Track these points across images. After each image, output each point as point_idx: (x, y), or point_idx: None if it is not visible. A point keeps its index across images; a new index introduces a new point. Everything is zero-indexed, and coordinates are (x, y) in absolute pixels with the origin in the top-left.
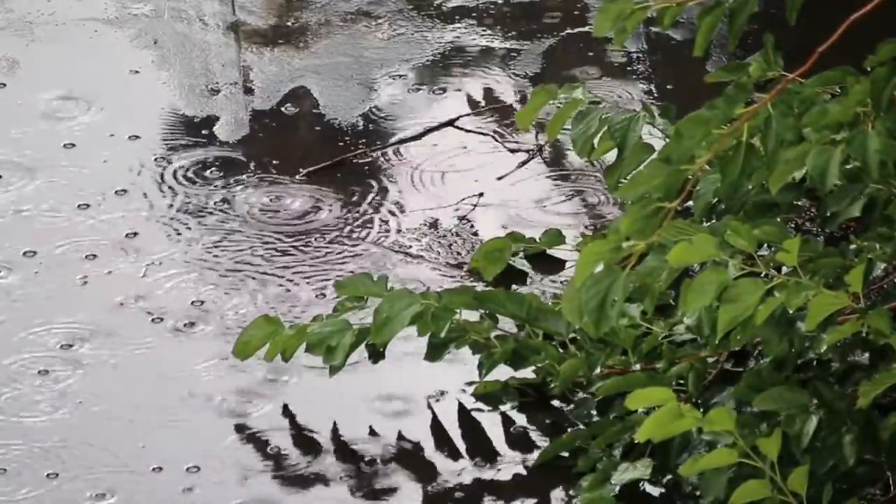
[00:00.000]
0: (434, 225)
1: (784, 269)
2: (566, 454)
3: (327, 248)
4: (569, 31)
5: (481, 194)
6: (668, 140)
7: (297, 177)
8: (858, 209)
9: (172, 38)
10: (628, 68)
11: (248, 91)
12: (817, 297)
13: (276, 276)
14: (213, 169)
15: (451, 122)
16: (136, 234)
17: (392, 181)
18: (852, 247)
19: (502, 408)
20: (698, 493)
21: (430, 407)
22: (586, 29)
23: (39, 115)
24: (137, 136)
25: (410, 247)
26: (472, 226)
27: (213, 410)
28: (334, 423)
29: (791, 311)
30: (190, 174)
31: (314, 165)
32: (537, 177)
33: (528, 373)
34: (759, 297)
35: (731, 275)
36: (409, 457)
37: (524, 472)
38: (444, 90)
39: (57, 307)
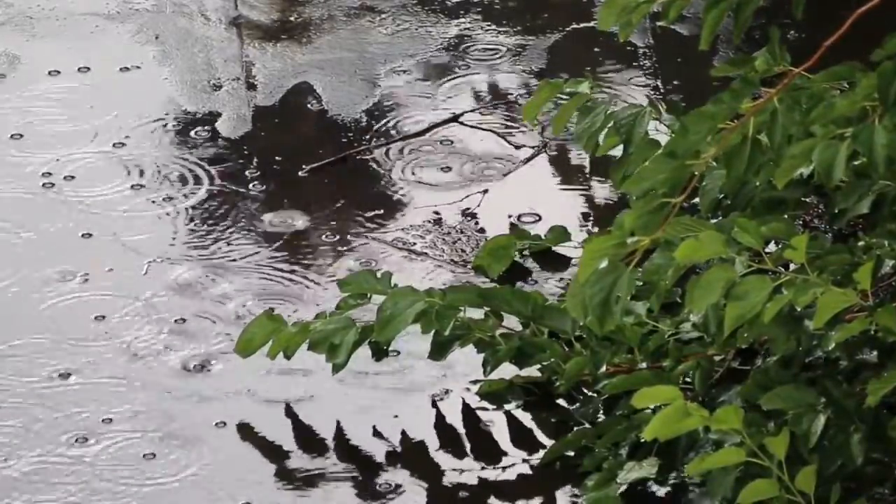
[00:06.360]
0: (438, 222)
1: (792, 267)
2: (572, 453)
3: (330, 245)
4: (574, 25)
5: (486, 191)
6: (673, 135)
7: (301, 173)
8: (867, 206)
9: (174, 34)
10: (634, 63)
11: (251, 87)
12: (825, 294)
13: (278, 274)
14: (215, 166)
15: (455, 118)
16: (137, 231)
17: (396, 177)
18: (861, 244)
19: (507, 406)
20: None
21: (434, 405)
22: (591, 24)
23: (39, 112)
24: (138, 134)
25: (414, 244)
26: (476, 222)
27: (214, 408)
28: (337, 422)
29: (799, 309)
30: (191, 171)
31: (317, 161)
32: (542, 173)
33: (533, 371)
34: (767, 294)
35: (739, 272)
36: (413, 456)
37: (529, 472)
38: (449, 86)
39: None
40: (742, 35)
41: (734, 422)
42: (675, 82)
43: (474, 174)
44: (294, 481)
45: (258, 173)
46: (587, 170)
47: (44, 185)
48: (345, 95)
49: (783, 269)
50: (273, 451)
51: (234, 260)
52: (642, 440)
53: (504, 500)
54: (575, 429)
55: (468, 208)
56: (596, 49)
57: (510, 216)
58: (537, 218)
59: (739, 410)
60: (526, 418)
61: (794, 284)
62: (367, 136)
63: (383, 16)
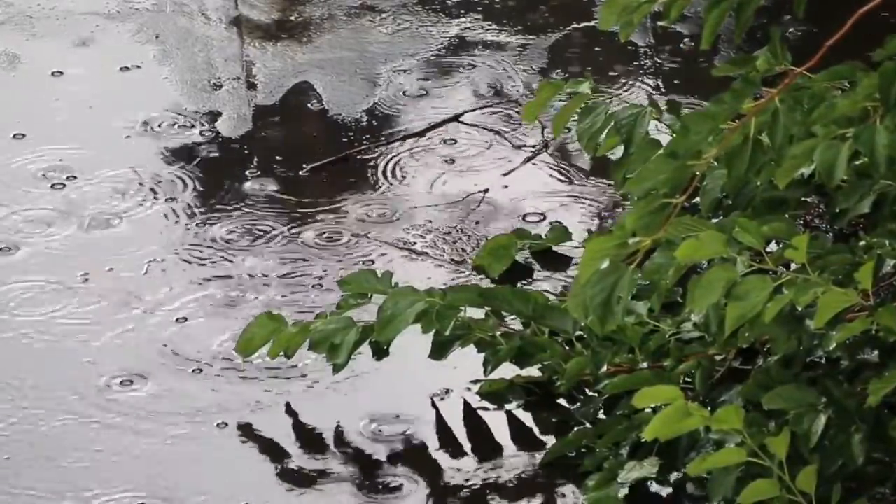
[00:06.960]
0: (438, 222)
1: (793, 266)
2: (572, 453)
3: (331, 244)
4: (574, 25)
5: (486, 190)
6: (674, 135)
7: (301, 173)
8: (868, 205)
9: (174, 33)
10: (634, 63)
11: (251, 86)
12: (826, 294)
13: (279, 274)
14: (215, 165)
15: (455, 118)
16: (138, 230)
17: (396, 177)
18: (862, 243)
19: (508, 406)
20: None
21: (434, 405)
22: (592, 23)
23: (40, 112)
24: (139, 133)
25: (415, 243)
26: (476, 222)
27: (215, 407)
28: (337, 422)
29: (800, 309)
30: (192, 171)
31: (318, 161)
32: (543, 172)
33: (533, 371)
34: (768, 294)
35: (740, 272)
36: (414, 456)
37: (529, 472)
38: (449, 85)
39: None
40: (743, 34)
41: (735, 422)
42: (676, 82)
43: (475, 173)
44: (294, 481)
45: (258, 173)
46: (588, 170)
47: (45, 185)
48: (345, 95)
49: (784, 269)
50: (273, 451)
51: (234, 260)
52: (643, 440)
53: (504, 500)
54: (575, 429)
55: (468, 208)
56: (596, 49)
57: (511, 216)
58: (538, 218)
59: (740, 410)
60: (526, 418)
61: (794, 284)
62: (368, 136)
63: (384, 15)
